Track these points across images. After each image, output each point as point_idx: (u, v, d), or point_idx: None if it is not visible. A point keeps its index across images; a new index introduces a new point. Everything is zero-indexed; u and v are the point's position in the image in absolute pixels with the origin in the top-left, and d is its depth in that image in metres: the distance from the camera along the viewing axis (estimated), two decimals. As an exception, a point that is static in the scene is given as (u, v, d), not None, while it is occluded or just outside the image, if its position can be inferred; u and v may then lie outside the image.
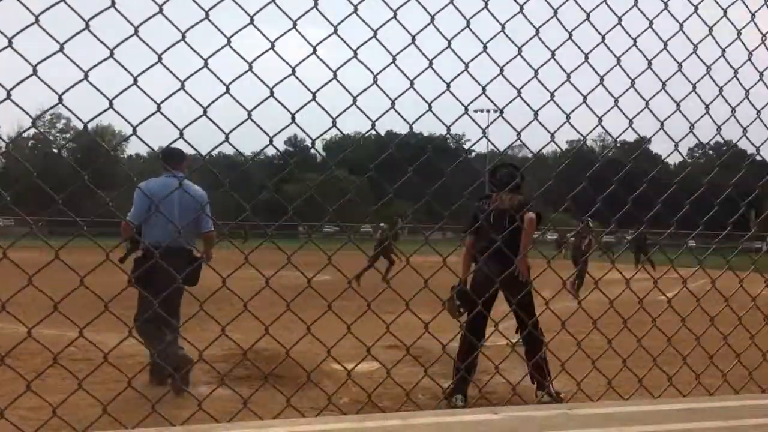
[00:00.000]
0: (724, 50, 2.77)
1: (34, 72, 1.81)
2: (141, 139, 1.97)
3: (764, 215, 3.53)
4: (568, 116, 2.61)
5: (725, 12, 2.78)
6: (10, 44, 1.77)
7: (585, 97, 2.60)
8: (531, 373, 5.00)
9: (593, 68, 2.60)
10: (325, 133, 2.42)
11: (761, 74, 2.85)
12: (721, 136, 2.93)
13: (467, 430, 1.49)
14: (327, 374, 5.44)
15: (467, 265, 5.66)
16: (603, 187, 2.82)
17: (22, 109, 1.87)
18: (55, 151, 66.21)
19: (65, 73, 1.98)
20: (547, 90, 2.56)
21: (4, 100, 1.78)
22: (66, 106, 1.90)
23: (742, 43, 2.78)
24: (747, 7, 2.79)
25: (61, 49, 1.83)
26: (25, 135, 68.96)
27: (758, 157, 3.09)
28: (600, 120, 2.69)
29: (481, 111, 2.86)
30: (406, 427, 1.49)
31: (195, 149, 2.21)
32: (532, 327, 4.71)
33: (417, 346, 2.61)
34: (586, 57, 2.57)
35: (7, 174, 58.54)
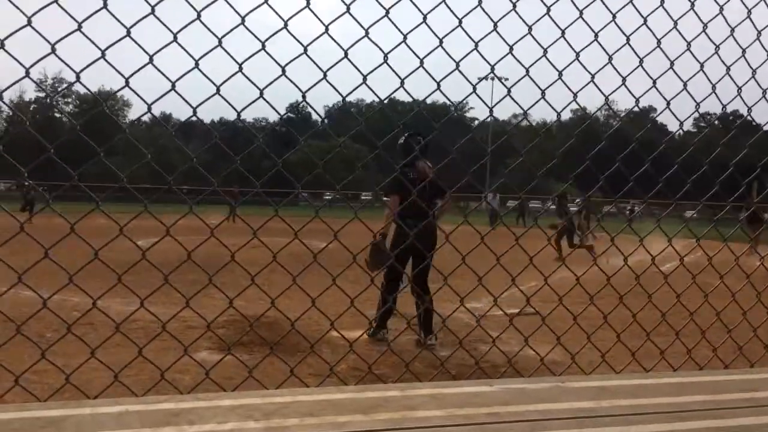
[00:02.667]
0: (733, 30, 2.70)
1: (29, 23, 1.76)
2: (134, 91, 1.90)
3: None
4: (575, 95, 2.55)
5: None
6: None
7: (593, 76, 2.54)
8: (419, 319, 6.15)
9: (602, 46, 2.54)
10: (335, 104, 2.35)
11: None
12: (725, 108, 2.86)
13: (463, 401, 1.51)
14: (325, 341, 5.47)
15: (388, 222, 6.44)
16: (608, 158, 2.77)
17: (18, 61, 1.81)
18: (57, 115, 66.07)
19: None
20: (555, 68, 2.49)
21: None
22: (62, 60, 1.85)
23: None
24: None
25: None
26: (27, 99, 68.86)
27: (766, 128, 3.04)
28: (607, 98, 2.63)
29: (485, 79, 2.79)
30: (404, 397, 1.53)
31: (197, 114, 2.14)
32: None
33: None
34: (596, 35, 2.50)
35: (10, 138, 58.55)
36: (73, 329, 1.92)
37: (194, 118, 2.11)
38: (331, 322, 2.29)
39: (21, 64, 1.79)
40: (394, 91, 2.42)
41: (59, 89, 71.70)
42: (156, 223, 2.01)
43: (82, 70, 1.87)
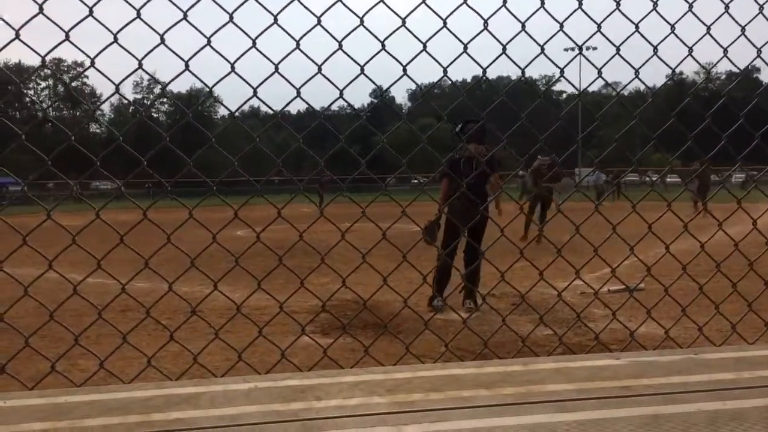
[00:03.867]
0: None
1: (115, 39, 1.84)
2: (217, 99, 1.96)
3: None
4: (655, 48, 2.40)
5: None
6: (91, 13, 1.81)
7: (673, 27, 2.38)
8: (464, 283, 6.15)
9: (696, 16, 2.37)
10: (393, 83, 2.33)
11: None
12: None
13: (591, 374, 1.45)
14: (420, 322, 5.50)
15: (443, 203, 6.84)
16: (703, 122, 2.58)
17: (105, 76, 1.91)
18: (155, 115, 69.48)
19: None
20: (632, 21, 2.35)
21: (87, 68, 1.84)
22: (145, 71, 1.94)
23: None
24: None
25: (138, 16, 1.84)
26: (124, 101, 72.85)
27: None
28: (690, 50, 2.45)
29: (572, 49, 2.67)
30: (527, 372, 1.49)
31: (269, 106, 2.18)
32: (477, 251, 6.22)
33: (515, 294, 2.54)
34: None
35: (111, 139, 62.31)
36: (184, 317, 2.00)
37: (277, 109, 2.13)
38: (405, 299, 2.27)
39: (134, 56, 1.87)
40: (455, 59, 2.30)
41: (154, 90, 75.39)
42: (257, 214, 2.06)
43: (170, 81, 1.93)
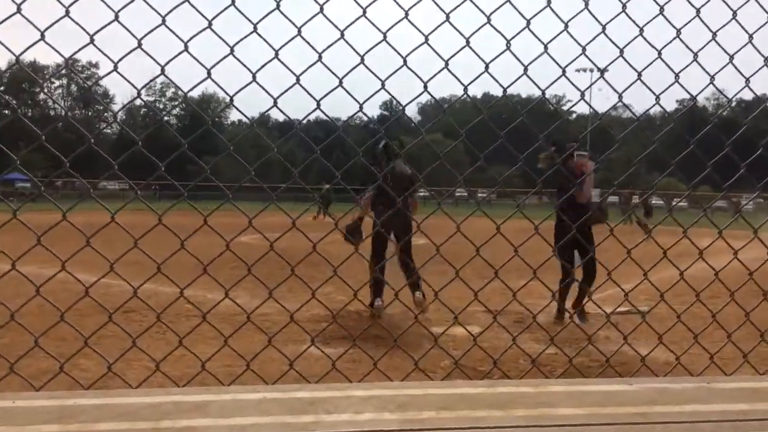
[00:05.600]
0: None
1: (139, 45, 1.85)
2: (237, 108, 1.97)
3: None
4: (677, 75, 2.40)
5: None
6: (116, 18, 1.83)
7: (696, 54, 2.38)
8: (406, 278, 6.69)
9: (704, 23, 2.37)
10: (414, 99, 2.34)
11: None
12: None
13: (603, 399, 1.43)
14: (427, 337, 5.51)
15: (366, 210, 7.86)
16: (716, 150, 2.58)
17: (128, 81, 1.93)
18: (165, 118, 69.83)
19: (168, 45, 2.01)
20: (654, 47, 2.35)
21: (111, 71, 1.85)
22: (167, 77, 1.96)
23: None
24: None
25: (163, 22, 1.86)
26: (138, 102, 73.54)
27: None
28: (712, 78, 2.45)
29: (584, 71, 2.67)
30: (538, 393, 1.47)
31: (288, 117, 2.19)
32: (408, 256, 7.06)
33: (517, 312, 2.54)
34: (698, 11, 2.34)
35: (121, 139, 62.79)
36: (185, 319, 2.00)
37: (278, 117, 2.14)
38: (455, 315, 2.28)
39: (157, 62, 1.89)
40: (478, 76, 2.31)
41: (165, 92, 75.89)
42: (263, 221, 2.06)
43: (192, 88, 1.94)
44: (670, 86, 2.33)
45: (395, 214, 6.53)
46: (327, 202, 27.31)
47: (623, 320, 2.58)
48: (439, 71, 2.17)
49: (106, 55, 1.86)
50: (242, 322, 2.27)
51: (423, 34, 2.05)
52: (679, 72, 2.42)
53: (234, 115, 76.39)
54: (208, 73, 1.92)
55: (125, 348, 2.17)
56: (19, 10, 1.79)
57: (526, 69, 2.21)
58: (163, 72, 1.91)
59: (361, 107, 2.09)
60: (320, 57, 1.97)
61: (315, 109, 2.05)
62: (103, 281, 2.32)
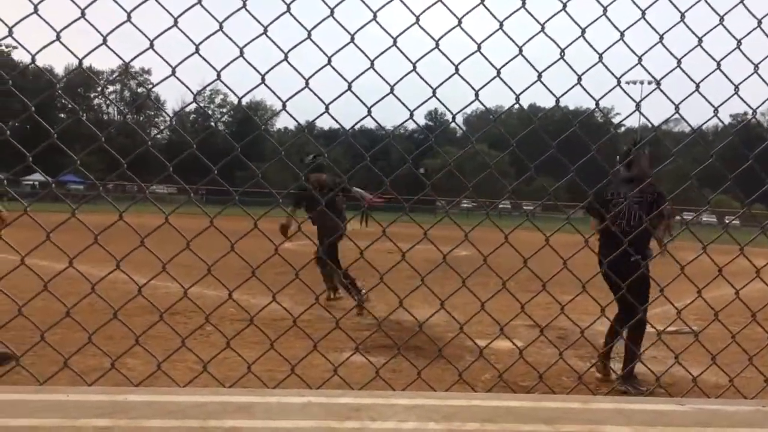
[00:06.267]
0: None
1: (197, 50, 1.90)
2: (289, 114, 2.00)
3: None
4: (736, 87, 2.33)
5: None
6: (175, 24, 1.88)
7: (756, 66, 2.31)
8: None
9: (765, 33, 2.30)
10: (466, 107, 2.33)
11: None
12: None
13: (653, 419, 1.40)
14: (467, 349, 5.48)
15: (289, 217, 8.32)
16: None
17: (184, 84, 1.98)
18: (213, 124, 71.22)
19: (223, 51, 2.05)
20: (713, 59, 2.29)
21: (169, 76, 1.91)
22: (223, 82, 2.01)
23: None
24: None
25: (220, 28, 1.90)
26: (187, 109, 75.37)
27: None
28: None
29: (634, 83, 2.62)
30: (586, 410, 1.46)
31: (339, 124, 2.21)
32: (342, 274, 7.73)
33: (560, 327, 2.51)
34: (759, 22, 2.27)
35: (171, 145, 64.33)
36: (237, 326, 2.02)
37: (336, 126, 2.15)
38: (461, 325, 2.26)
39: (213, 67, 1.94)
40: (530, 85, 2.29)
41: (215, 99, 77.48)
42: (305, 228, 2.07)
43: (246, 93, 1.98)
44: (729, 98, 2.27)
45: (321, 217, 7.62)
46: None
47: (671, 339, 2.52)
48: (491, 80, 2.16)
49: (164, 59, 1.91)
50: (285, 327, 2.29)
51: (475, 42, 2.04)
52: (740, 84, 2.35)
53: (280, 123, 77.62)
54: (263, 79, 1.95)
55: (170, 349, 2.22)
56: (82, 14, 1.85)
57: (579, 78, 2.19)
58: (219, 77, 1.95)
59: (411, 115, 2.10)
60: (372, 64, 1.99)
61: (366, 116, 2.06)
62: (151, 283, 2.39)
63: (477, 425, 1.29)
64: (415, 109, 2.09)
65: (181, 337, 1.99)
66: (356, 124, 2.30)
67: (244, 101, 2.05)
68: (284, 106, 2.01)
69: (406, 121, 2.17)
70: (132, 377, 2.36)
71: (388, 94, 2.04)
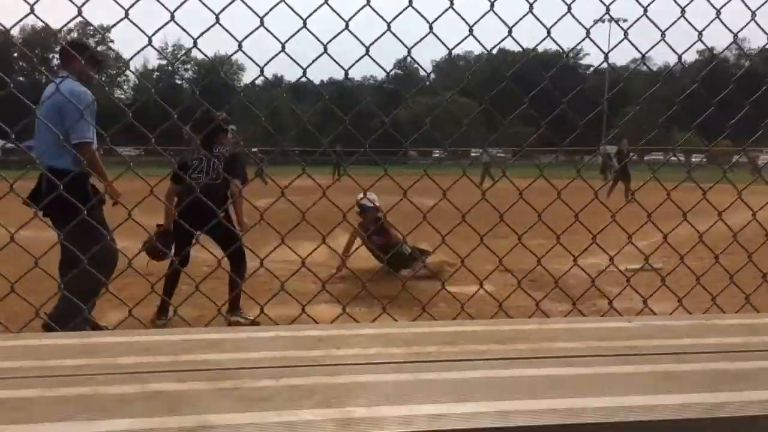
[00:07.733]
0: None
1: (172, 18, 1.90)
2: (247, 55, 1.99)
3: None
4: (700, 33, 2.39)
5: None
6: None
7: (719, 11, 2.36)
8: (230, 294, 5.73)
9: None
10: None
11: None
12: None
13: (602, 335, 1.49)
14: (442, 298, 5.60)
15: (169, 208, 5.93)
16: (736, 101, 2.57)
17: (139, 28, 1.96)
18: (178, 81, 69.82)
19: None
20: (678, 5, 2.33)
21: (145, 46, 1.89)
22: (200, 50, 2.00)
23: None
24: None
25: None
26: (149, 67, 73.43)
27: None
28: (735, 36, 2.44)
29: (602, 21, 2.67)
30: (541, 330, 1.52)
31: (298, 64, 2.21)
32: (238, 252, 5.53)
33: (525, 270, 2.63)
34: None
35: (135, 104, 62.94)
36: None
37: (304, 79, 2.16)
38: (480, 282, 2.37)
39: (144, 32, 1.91)
40: (502, 40, 2.34)
41: (179, 56, 75.63)
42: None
43: (229, 56, 1.98)
44: (692, 45, 2.33)
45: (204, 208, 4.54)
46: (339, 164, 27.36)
47: (637, 278, 2.67)
48: (464, 39, 2.20)
49: (140, 28, 1.89)
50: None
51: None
52: (702, 30, 2.40)
53: (246, 78, 76.15)
54: (240, 46, 1.97)
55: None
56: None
57: (549, 31, 2.23)
58: (195, 45, 1.93)
59: (367, 50, 2.10)
60: (347, 25, 2.01)
61: (322, 54, 2.06)
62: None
63: (437, 347, 1.37)
64: (370, 45, 2.09)
65: (150, 282, 2.04)
66: (313, 62, 2.30)
67: (209, 54, 2.05)
68: (262, 71, 2.02)
69: (362, 57, 2.17)
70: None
71: (363, 56, 2.07)
